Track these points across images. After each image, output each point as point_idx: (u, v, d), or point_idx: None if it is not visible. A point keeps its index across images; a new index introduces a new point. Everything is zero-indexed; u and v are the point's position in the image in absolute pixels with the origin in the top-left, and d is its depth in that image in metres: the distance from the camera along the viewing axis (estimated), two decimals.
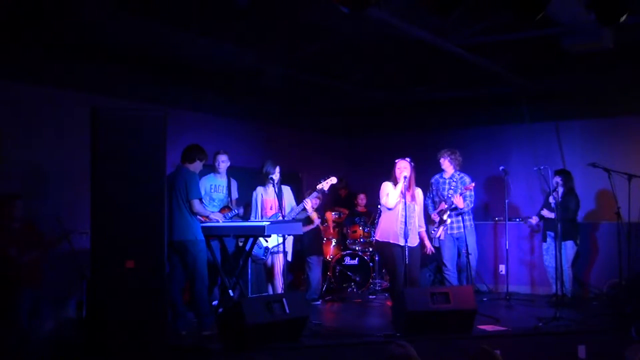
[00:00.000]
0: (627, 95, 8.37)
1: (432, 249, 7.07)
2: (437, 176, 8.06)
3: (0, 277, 5.74)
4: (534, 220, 8.31)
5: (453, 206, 7.64)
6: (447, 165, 7.95)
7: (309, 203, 7.09)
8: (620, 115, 8.87)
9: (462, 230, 7.73)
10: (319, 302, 8.29)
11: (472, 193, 7.84)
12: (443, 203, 7.75)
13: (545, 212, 7.97)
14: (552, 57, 7.24)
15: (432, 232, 7.86)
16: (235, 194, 7.27)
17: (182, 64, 6.97)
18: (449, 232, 7.79)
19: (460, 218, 7.75)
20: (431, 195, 8.02)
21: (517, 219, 9.13)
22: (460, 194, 7.62)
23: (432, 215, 7.84)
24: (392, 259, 6.50)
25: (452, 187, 7.81)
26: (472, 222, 7.94)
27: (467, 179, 7.81)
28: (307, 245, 8.59)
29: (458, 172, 7.93)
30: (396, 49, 7.04)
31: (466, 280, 7.79)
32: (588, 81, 8.02)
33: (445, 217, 7.73)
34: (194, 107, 8.52)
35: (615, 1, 4.74)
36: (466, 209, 7.76)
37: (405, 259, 6.28)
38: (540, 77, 8.06)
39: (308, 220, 8.59)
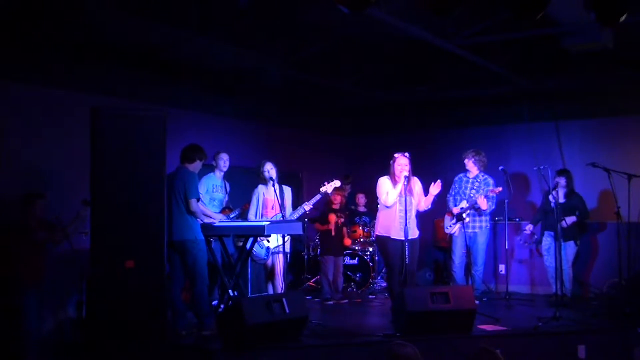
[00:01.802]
0: (627, 96, 8.36)
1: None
2: (461, 175, 8.06)
3: (5, 277, 5.74)
4: (528, 230, 8.30)
5: (477, 207, 7.63)
6: (471, 166, 7.94)
7: (309, 207, 7.08)
8: (620, 115, 8.86)
9: (476, 230, 7.75)
10: (332, 302, 8.24)
11: (495, 195, 7.84)
12: (465, 202, 7.74)
13: (567, 220, 7.72)
14: (552, 57, 7.24)
15: (449, 227, 7.87)
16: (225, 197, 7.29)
17: (182, 64, 6.97)
18: (463, 230, 7.78)
19: (477, 218, 7.77)
20: (453, 193, 8.02)
21: (517, 219, 9.13)
22: (485, 196, 7.60)
23: (453, 209, 7.84)
24: (391, 254, 6.52)
25: (476, 188, 7.80)
26: (488, 224, 7.93)
27: (491, 181, 7.80)
28: (321, 245, 8.61)
29: (483, 174, 7.91)
30: (396, 49, 7.04)
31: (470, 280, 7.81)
32: (588, 81, 8.02)
33: (464, 215, 7.71)
34: (194, 107, 8.51)
35: (615, 1, 4.74)
36: (488, 211, 7.77)
37: (406, 257, 6.29)
38: (540, 77, 8.06)
39: (324, 220, 8.57)
